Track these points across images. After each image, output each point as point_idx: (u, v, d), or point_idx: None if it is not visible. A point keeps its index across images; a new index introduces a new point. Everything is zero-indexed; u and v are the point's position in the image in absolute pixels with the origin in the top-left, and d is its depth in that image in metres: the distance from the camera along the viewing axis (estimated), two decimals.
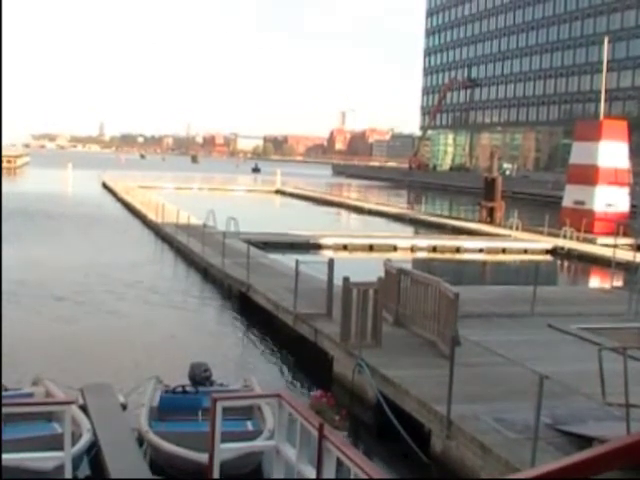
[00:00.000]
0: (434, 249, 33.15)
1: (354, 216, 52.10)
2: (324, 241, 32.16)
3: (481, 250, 33.73)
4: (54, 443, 7.72)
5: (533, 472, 1.54)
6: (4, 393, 9.15)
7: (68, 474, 7.22)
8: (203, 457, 7.47)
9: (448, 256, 32.56)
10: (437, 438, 9.52)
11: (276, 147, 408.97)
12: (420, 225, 44.66)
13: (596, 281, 29.44)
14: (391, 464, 9.76)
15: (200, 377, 10.39)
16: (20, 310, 17.80)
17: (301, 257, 17.61)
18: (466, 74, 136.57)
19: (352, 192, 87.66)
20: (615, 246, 23.54)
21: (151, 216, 37.39)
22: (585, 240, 34.93)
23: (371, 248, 32.09)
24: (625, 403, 7.94)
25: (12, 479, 6.93)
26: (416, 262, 29.95)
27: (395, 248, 32.36)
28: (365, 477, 5.43)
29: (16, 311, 17.52)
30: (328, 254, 27.17)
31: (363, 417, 11.44)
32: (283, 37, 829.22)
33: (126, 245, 30.63)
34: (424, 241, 34.75)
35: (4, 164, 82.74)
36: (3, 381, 9.70)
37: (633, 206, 41.54)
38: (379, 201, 63.80)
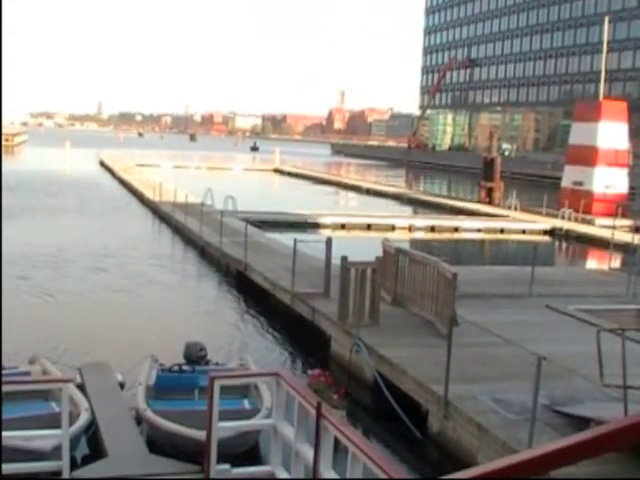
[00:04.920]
0: (432, 229, 33.12)
1: (352, 195, 52.02)
2: (322, 220, 32.13)
3: (479, 230, 33.71)
4: (52, 422, 7.72)
5: (534, 452, 1.51)
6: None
7: (66, 453, 7.22)
8: (201, 435, 7.48)
9: (446, 236, 32.55)
10: (434, 418, 9.53)
11: (275, 126, 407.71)
12: (418, 205, 44.59)
13: (594, 262, 29.45)
14: (388, 443, 9.78)
15: (196, 356, 10.37)
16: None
17: (299, 236, 17.58)
18: (466, 54, 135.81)
19: (351, 171, 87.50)
20: (614, 227, 23.56)
21: (149, 195, 37.30)
22: (584, 221, 34.93)
23: (369, 227, 32.05)
24: (623, 385, 7.94)
25: (9, 457, 6.92)
26: (414, 242, 29.96)
27: (393, 228, 32.32)
28: (362, 456, 5.43)
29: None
30: (326, 233, 27.13)
31: (360, 396, 11.45)
32: (281, 16, 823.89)
33: (123, 224, 30.52)
34: (422, 221, 34.71)
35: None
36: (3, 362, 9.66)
37: (632, 187, 41.53)
38: (378, 181, 63.68)
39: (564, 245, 32.80)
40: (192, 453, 7.68)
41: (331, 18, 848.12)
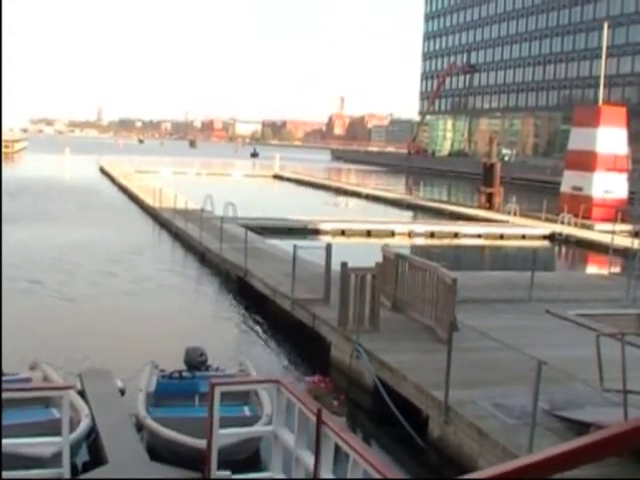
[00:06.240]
0: (432, 235, 33.11)
1: (352, 201, 51.98)
2: (322, 226, 32.12)
3: (479, 236, 33.70)
4: (52, 428, 7.71)
5: (538, 456, 1.52)
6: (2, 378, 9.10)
7: (66, 460, 7.21)
8: (201, 443, 7.46)
9: (446, 242, 32.55)
10: (435, 423, 9.52)
11: (275, 132, 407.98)
12: (418, 210, 44.62)
13: (594, 267, 29.45)
14: (389, 449, 9.77)
15: (196, 362, 10.34)
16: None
17: (299, 242, 17.57)
18: (465, 59, 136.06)
19: (350, 177, 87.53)
20: (613, 232, 23.56)
21: (149, 201, 37.32)
22: (583, 226, 34.94)
23: (369, 233, 32.04)
24: (622, 389, 7.94)
25: (10, 464, 6.91)
26: (414, 247, 29.97)
27: (393, 233, 32.32)
28: (363, 462, 5.43)
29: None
30: (326, 239, 27.11)
31: (361, 402, 11.44)
32: (281, 22, 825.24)
33: (123, 231, 30.50)
34: (422, 226, 34.71)
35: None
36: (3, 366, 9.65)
37: (631, 192, 41.56)
38: (377, 186, 63.70)
39: (564, 250, 32.79)
40: (192, 460, 7.67)
41: (331, 19, 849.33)
